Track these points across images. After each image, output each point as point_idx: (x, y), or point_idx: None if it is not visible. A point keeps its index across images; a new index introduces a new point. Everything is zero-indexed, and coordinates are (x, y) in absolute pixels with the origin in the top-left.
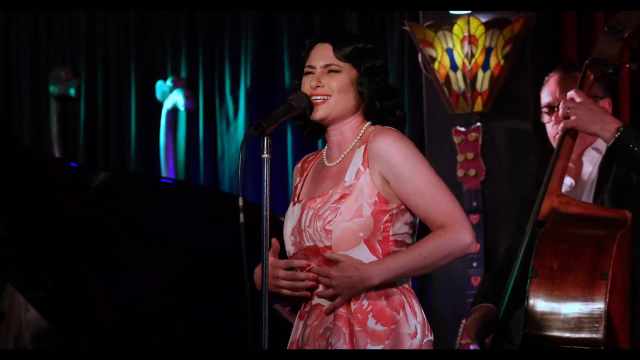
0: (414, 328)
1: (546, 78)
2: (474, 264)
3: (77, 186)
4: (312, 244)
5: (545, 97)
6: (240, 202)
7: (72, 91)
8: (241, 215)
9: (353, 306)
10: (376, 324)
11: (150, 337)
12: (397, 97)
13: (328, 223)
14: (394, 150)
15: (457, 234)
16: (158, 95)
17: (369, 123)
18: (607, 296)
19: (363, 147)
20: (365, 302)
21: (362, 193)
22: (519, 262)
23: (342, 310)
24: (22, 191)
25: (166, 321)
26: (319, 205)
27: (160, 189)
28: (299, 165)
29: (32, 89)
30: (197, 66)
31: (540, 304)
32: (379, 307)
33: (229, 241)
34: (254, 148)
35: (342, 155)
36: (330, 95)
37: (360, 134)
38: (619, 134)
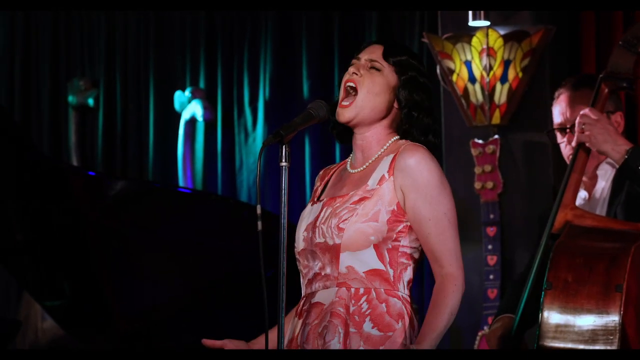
0: (410, 340)
1: (556, 94)
2: (491, 277)
3: (95, 195)
4: (322, 240)
5: (557, 117)
6: (259, 210)
7: (90, 101)
8: (259, 223)
9: (352, 308)
10: (372, 328)
11: (164, 345)
12: (433, 118)
13: (343, 221)
14: (422, 169)
15: (461, 289)
16: (176, 105)
17: (397, 137)
18: (622, 308)
19: (391, 156)
20: (365, 305)
21: (382, 199)
22: (533, 275)
23: (340, 309)
24: (41, 199)
25: (181, 330)
26: (338, 204)
27: (178, 198)
28: (321, 172)
29: (51, 99)
30: (215, 77)
31: (554, 316)
32: (378, 312)
33: (247, 250)
34: (272, 157)
35: (367, 164)
36: (358, 91)
37: (387, 145)
38: (627, 156)
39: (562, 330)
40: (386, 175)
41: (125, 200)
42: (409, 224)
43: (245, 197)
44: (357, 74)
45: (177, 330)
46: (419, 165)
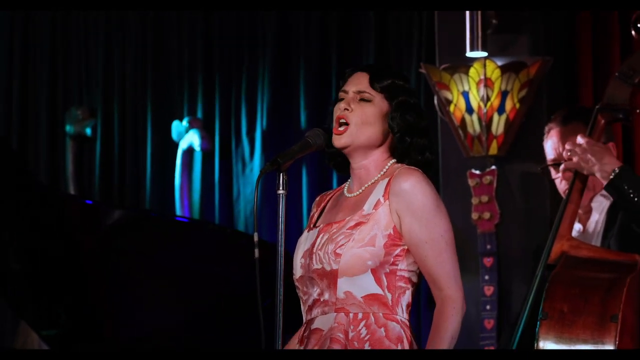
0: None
1: (546, 129)
2: (487, 307)
3: (92, 223)
4: (320, 266)
5: (550, 153)
6: (256, 237)
7: (88, 131)
8: (256, 251)
9: (351, 333)
10: None
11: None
12: (428, 138)
13: (339, 247)
14: (417, 193)
15: (460, 311)
16: (174, 135)
17: (394, 160)
18: (617, 339)
19: (386, 180)
20: (363, 331)
21: (378, 223)
22: (529, 305)
23: (339, 335)
24: (38, 227)
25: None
26: (334, 230)
27: (175, 227)
28: (317, 198)
29: (48, 128)
30: (213, 107)
31: (550, 346)
32: (377, 337)
33: (244, 278)
34: (269, 186)
35: (363, 188)
36: (350, 124)
37: (384, 170)
38: (612, 175)
39: None
40: (381, 200)
41: (122, 228)
42: (406, 247)
43: (243, 227)
44: (347, 109)
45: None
46: (413, 188)
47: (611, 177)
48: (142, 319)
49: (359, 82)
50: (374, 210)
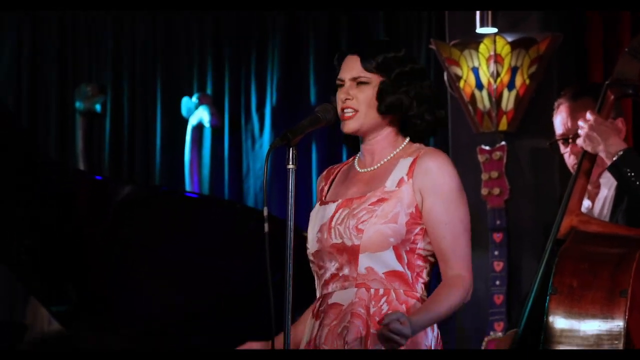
0: (430, 341)
1: (555, 104)
2: (497, 282)
3: (101, 199)
4: (339, 241)
5: (559, 127)
6: (265, 212)
7: (98, 107)
8: (266, 225)
9: (372, 309)
10: None
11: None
12: (432, 96)
13: (362, 222)
14: (443, 173)
15: (467, 290)
16: (184, 111)
17: (408, 139)
18: (627, 313)
19: (410, 159)
20: (385, 307)
21: (401, 201)
22: (538, 280)
23: (360, 310)
24: (48, 202)
25: (187, 337)
26: (355, 205)
27: (184, 202)
28: (324, 173)
29: (58, 105)
30: (223, 83)
31: (559, 321)
32: None
33: (253, 257)
34: (278, 162)
35: (379, 164)
36: (358, 110)
37: (401, 146)
38: (616, 157)
39: (567, 335)
40: (405, 178)
41: (132, 204)
42: (424, 227)
43: (252, 202)
44: (349, 98)
45: (182, 335)
46: (440, 169)
47: (614, 158)
48: (150, 299)
49: (351, 68)
50: (397, 188)
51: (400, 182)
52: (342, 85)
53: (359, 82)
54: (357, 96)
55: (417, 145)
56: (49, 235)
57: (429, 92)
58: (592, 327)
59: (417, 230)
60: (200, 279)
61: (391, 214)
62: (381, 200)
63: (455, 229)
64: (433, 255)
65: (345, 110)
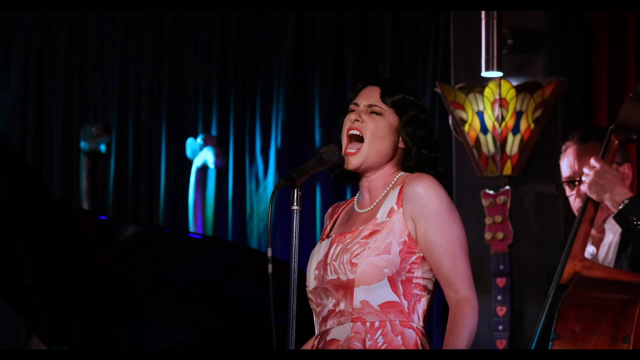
0: None
1: (563, 147)
2: (500, 327)
3: (105, 239)
4: (335, 277)
5: (565, 170)
6: (269, 253)
7: (102, 147)
8: (269, 266)
9: (368, 342)
10: None
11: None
12: (439, 152)
13: (355, 256)
14: (431, 196)
15: (476, 310)
16: (188, 152)
17: (402, 172)
18: None
19: (398, 188)
20: (380, 340)
21: (392, 231)
22: (541, 325)
23: (357, 344)
24: (51, 242)
25: None
26: (348, 240)
27: (188, 243)
28: (330, 210)
29: (63, 144)
30: (228, 124)
31: None
32: (394, 346)
33: (257, 296)
34: (282, 203)
35: (374, 204)
36: (362, 146)
37: (393, 182)
38: (622, 206)
39: None
40: (395, 207)
41: (136, 244)
42: (421, 254)
43: (256, 244)
44: (359, 121)
45: None
46: (427, 192)
47: (620, 207)
48: (154, 335)
49: (370, 96)
50: (387, 218)
51: (390, 212)
52: (353, 111)
53: (372, 111)
54: (367, 123)
55: (404, 174)
56: (52, 274)
57: (433, 144)
58: None
59: (412, 259)
60: (204, 311)
61: (384, 245)
62: (373, 233)
63: (452, 249)
64: (433, 283)
65: (350, 132)
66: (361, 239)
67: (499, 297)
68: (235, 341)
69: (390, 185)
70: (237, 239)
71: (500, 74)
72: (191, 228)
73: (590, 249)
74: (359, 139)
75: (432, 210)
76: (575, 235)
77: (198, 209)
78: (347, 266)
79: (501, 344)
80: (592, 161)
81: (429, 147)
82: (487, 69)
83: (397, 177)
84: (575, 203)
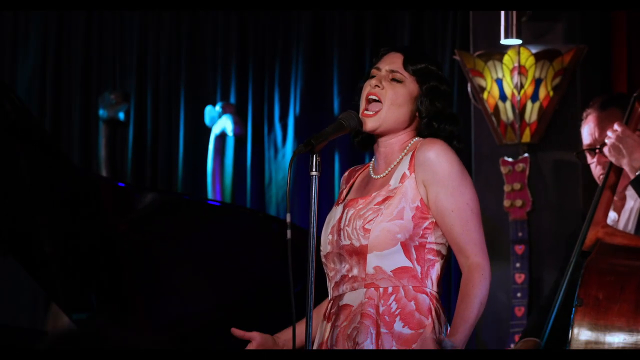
0: (440, 334)
1: (584, 115)
2: (518, 294)
3: (124, 206)
4: (348, 242)
5: (586, 138)
6: (288, 218)
7: (121, 115)
8: (288, 232)
9: (381, 308)
10: (403, 327)
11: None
12: (457, 125)
13: (368, 222)
14: (442, 161)
15: (488, 277)
16: (207, 120)
17: (416, 138)
18: None
19: (410, 154)
20: (394, 305)
21: (405, 196)
22: (562, 292)
23: (370, 310)
24: (71, 209)
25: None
26: (361, 205)
27: (207, 210)
28: (346, 174)
29: (82, 112)
30: (246, 92)
31: (584, 333)
32: (407, 311)
33: (275, 264)
34: (301, 170)
35: (388, 169)
36: (380, 110)
37: (407, 147)
38: (639, 172)
39: (592, 347)
40: (407, 173)
41: (155, 212)
42: (434, 220)
43: (274, 212)
44: (379, 86)
45: (205, 341)
46: (438, 157)
47: (637, 173)
48: (171, 304)
49: (392, 62)
50: (400, 184)
51: (402, 178)
52: (374, 76)
53: (393, 78)
54: (387, 90)
55: (418, 139)
56: (71, 241)
57: (450, 117)
58: (617, 339)
59: (425, 224)
60: (222, 281)
61: (396, 210)
62: (386, 199)
63: (464, 215)
64: (447, 248)
65: (369, 97)
66: (374, 204)
67: (518, 265)
68: (252, 310)
69: (405, 151)
70: (255, 206)
71: (519, 41)
72: (209, 196)
73: (612, 215)
74: (378, 102)
75: (442, 176)
76: (597, 202)
77: (217, 176)
78: (360, 232)
79: (519, 311)
80: (615, 125)
81: (443, 120)
82: (506, 37)
83: (411, 142)
84: (596, 170)
